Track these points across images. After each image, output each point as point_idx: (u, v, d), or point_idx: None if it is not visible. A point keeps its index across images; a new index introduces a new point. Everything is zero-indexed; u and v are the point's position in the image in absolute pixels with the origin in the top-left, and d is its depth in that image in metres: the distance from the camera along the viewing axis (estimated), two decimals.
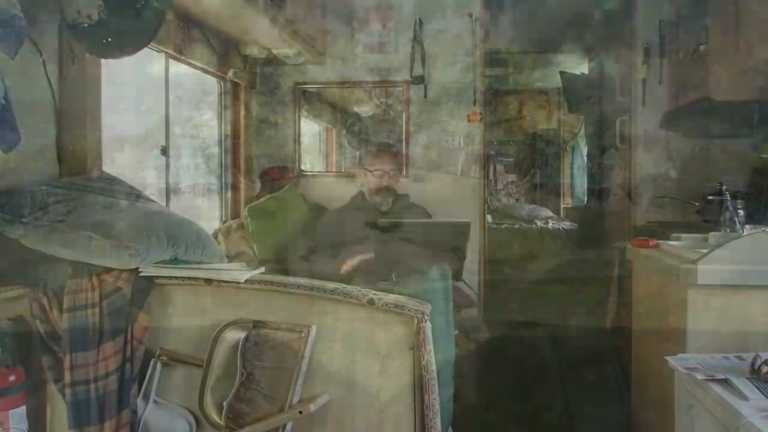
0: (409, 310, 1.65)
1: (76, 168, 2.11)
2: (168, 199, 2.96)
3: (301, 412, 1.63)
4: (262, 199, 3.35)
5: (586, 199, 6.41)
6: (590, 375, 3.14)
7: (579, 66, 5.95)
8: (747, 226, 2.38)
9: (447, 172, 3.92)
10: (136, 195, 2.06)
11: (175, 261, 1.85)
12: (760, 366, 1.57)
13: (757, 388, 1.50)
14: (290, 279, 1.82)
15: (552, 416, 2.94)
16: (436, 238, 2.84)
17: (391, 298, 1.69)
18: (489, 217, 6.08)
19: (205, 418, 1.72)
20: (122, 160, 2.82)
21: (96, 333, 1.69)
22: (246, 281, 1.75)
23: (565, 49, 5.50)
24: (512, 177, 8.12)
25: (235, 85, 3.67)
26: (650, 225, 3.45)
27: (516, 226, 6.48)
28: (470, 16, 3.87)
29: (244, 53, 3.60)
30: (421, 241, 2.80)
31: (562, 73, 6.01)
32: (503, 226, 6.44)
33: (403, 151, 3.93)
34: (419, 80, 3.88)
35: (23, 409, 1.66)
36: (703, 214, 2.67)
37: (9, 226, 1.73)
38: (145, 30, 2.09)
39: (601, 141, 5.05)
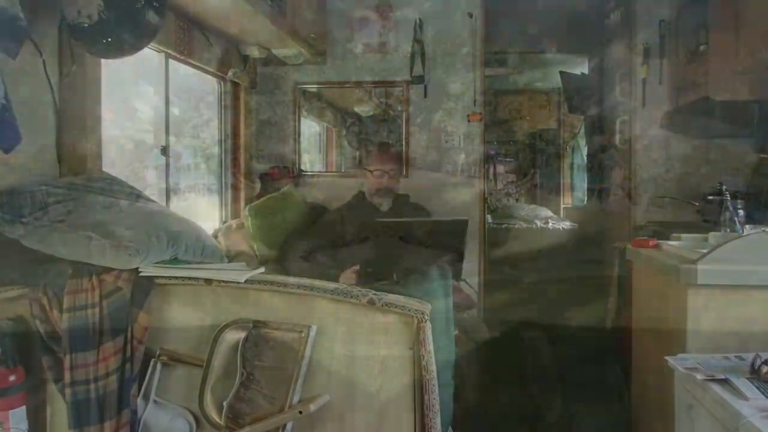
0: (409, 310, 1.65)
1: (76, 168, 2.11)
2: (168, 199, 2.96)
3: (301, 412, 1.63)
4: (262, 199, 3.35)
5: (586, 199, 6.41)
6: (590, 375, 3.14)
7: (579, 66, 5.95)
8: (747, 226, 2.38)
9: (447, 172, 3.92)
10: (136, 195, 2.06)
11: (175, 261, 1.85)
12: (760, 366, 1.58)
13: (757, 388, 1.50)
14: (290, 279, 1.82)
15: (552, 416, 2.94)
16: (433, 237, 2.83)
17: (391, 298, 1.69)
18: (489, 217, 6.08)
19: (205, 418, 1.72)
20: (122, 160, 2.82)
21: (96, 333, 1.69)
22: (246, 281, 1.75)
23: (565, 49, 5.50)
24: (512, 177, 8.12)
25: (235, 85, 3.67)
26: (650, 225, 3.45)
27: (516, 226, 6.48)
28: (470, 16, 3.87)
29: (244, 53, 3.60)
30: (419, 241, 2.80)
31: (562, 73, 6.00)
32: (503, 226, 6.43)
33: (403, 151, 3.93)
34: (419, 80, 3.87)
35: (23, 409, 1.66)
36: (703, 214, 2.68)
37: (9, 226, 1.73)
38: (145, 30, 2.09)
39: (601, 141, 5.05)
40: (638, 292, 2.66)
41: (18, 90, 1.86)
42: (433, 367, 1.64)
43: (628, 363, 2.73)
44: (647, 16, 3.87)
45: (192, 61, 3.11)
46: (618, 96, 4.43)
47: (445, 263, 2.61)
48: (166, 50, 2.85)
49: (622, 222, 4.18)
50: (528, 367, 3.47)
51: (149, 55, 2.81)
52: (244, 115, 3.75)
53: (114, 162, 2.62)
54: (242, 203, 3.62)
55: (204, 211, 3.50)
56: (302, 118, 4.10)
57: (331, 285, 1.76)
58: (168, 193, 2.97)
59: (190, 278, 1.79)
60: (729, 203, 2.39)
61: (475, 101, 3.91)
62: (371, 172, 3.20)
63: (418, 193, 3.51)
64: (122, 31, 2.02)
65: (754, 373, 1.57)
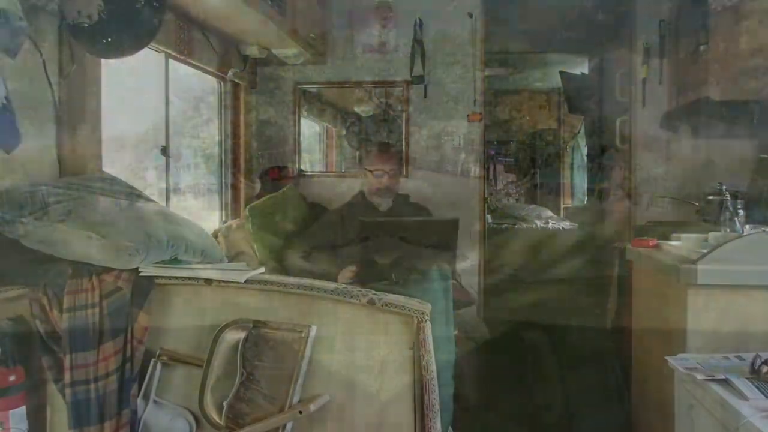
0: (409, 310, 1.65)
1: (76, 168, 2.11)
2: (168, 199, 2.96)
3: (301, 412, 1.63)
4: (262, 199, 3.35)
5: (586, 199, 6.42)
6: (590, 375, 3.14)
7: (579, 66, 5.95)
8: (747, 226, 2.38)
9: (447, 172, 3.92)
10: (136, 195, 2.06)
11: (175, 261, 1.85)
12: (760, 366, 1.58)
13: (757, 388, 1.50)
14: (290, 279, 1.82)
15: (552, 416, 2.94)
16: (424, 236, 2.84)
17: (391, 298, 1.69)
18: (489, 217, 6.08)
19: (205, 418, 1.72)
20: (122, 160, 2.82)
21: (96, 333, 1.69)
22: (246, 281, 1.75)
23: (565, 49, 5.50)
24: (512, 177, 8.12)
25: (235, 85, 3.67)
26: (650, 225, 3.45)
27: (516, 226, 6.48)
28: (470, 16, 3.87)
29: (244, 53, 3.60)
30: (409, 240, 2.81)
31: (562, 73, 6.00)
32: (503, 226, 6.43)
33: (403, 151, 3.93)
34: (419, 80, 3.87)
35: (23, 409, 1.65)
36: (703, 214, 2.68)
37: (9, 226, 1.73)
38: (145, 30, 2.09)
39: (601, 141, 5.05)
40: (638, 292, 2.66)
41: (18, 90, 1.86)
42: (433, 367, 1.64)
43: (628, 363, 2.73)
44: (647, 16, 3.87)
45: (192, 61, 3.11)
46: (618, 96, 4.43)
47: (444, 263, 2.61)
48: (166, 50, 2.85)
49: (622, 222, 4.18)
50: (528, 367, 3.48)
51: (149, 55, 2.81)
52: (244, 115, 3.75)
53: (114, 162, 2.61)
54: (242, 203, 3.62)
55: (204, 211, 3.50)
56: (302, 118, 4.10)
57: (331, 285, 1.76)
58: (168, 193, 2.97)
59: (190, 278, 1.78)
60: (729, 203, 2.39)
61: (475, 101, 3.91)
62: (371, 172, 3.20)
63: (418, 193, 3.51)
64: (122, 31, 2.02)
65: (754, 373, 1.58)
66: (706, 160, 3.80)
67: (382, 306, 1.66)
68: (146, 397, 1.77)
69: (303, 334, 1.67)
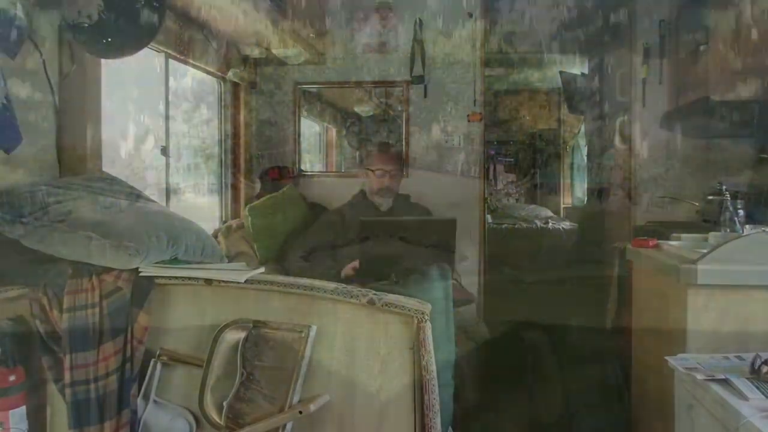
0: (409, 310, 1.65)
1: (76, 168, 2.11)
2: (168, 199, 2.96)
3: (301, 412, 1.63)
4: (262, 199, 3.35)
5: (586, 199, 6.41)
6: (590, 375, 3.13)
7: (579, 66, 5.95)
8: (747, 226, 2.38)
9: (447, 172, 3.92)
10: (136, 195, 2.06)
11: (175, 261, 1.85)
12: (760, 366, 1.58)
13: (757, 388, 1.50)
14: (290, 279, 1.82)
15: (552, 416, 2.94)
16: (423, 236, 2.84)
17: (391, 298, 1.69)
18: (489, 217, 6.08)
19: (205, 418, 1.72)
20: (122, 160, 2.82)
21: (96, 333, 1.69)
22: (246, 281, 1.74)
23: (565, 49, 5.50)
24: (512, 177, 8.13)
25: (235, 85, 3.67)
26: (650, 225, 3.45)
27: (516, 226, 6.48)
28: (470, 16, 3.87)
29: (244, 53, 3.60)
30: (408, 240, 2.81)
31: (562, 73, 6.01)
32: (503, 226, 6.44)
33: (403, 151, 3.93)
34: (419, 80, 3.88)
35: (23, 409, 1.66)
36: (703, 214, 2.68)
37: (9, 226, 1.73)
38: (145, 30, 2.09)
39: (601, 141, 5.05)
40: (638, 292, 2.66)
41: (18, 90, 1.86)
42: (433, 367, 1.64)
43: (628, 363, 2.73)
44: (647, 16, 3.87)
45: (192, 61, 3.11)
46: (618, 96, 4.43)
47: (444, 263, 2.61)
48: (166, 50, 2.85)
49: (622, 222, 4.18)
50: (528, 366, 3.47)
51: (149, 55, 2.81)
52: (244, 115, 3.75)
53: (114, 162, 2.62)
54: (242, 203, 3.62)
55: (204, 211, 3.50)
56: (302, 118, 4.10)
57: (331, 285, 1.76)
58: (168, 193, 2.97)
59: (190, 278, 1.78)
60: (729, 203, 2.39)
61: (475, 101, 3.91)
62: (373, 171, 3.20)
63: (418, 193, 3.51)
64: (122, 31, 2.02)
65: (754, 373, 1.57)
66: (706, 160, 3.80)
67: (382, 306, 1.66)
68: (146, 397, 1.77)
69: (303, 334, 1.67)
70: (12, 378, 1.63)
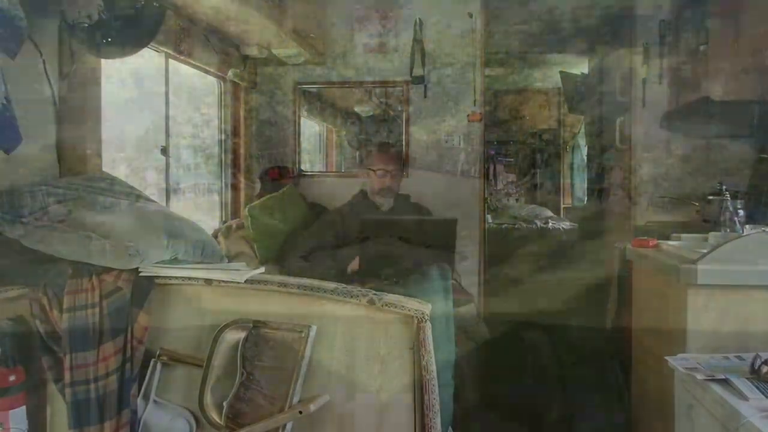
0: (409, 310, 1.65)
1: (76, 168, 2.11)
2: (168, 199, 2.96)
3: (301, 412, 1.63)
4: (262, 199, 3.35)
5: (586, 199, 6.41)
6: (590, 375, 3.14)
7: (579, 66, 5.95)
8: (747, 226, 2.38)
9: (447, 172, 3.92)
10: (136, 195, 2.06)
11: (175, 261, 1.85)
12: (760, 366, 1.58)
13: (757, 388, 1.50)
14: (290, 279, 1.82)
15: (552, 416, 2.94)
16: (423, 236, 2.85)
17: (391, 298, 1.69)
18: (489, 217, 6.08)
19: (205, 418, 1.72)
20: (122, 160, 2.82)
21: (96, 333, 1.69)
22: (246, 281, 1.75)
23: (565, 49, 5.50)
24: (512, 177, 8.12)
25: (235, 85, 3.67)
26: (650, 225, 3.45)
27: (516, 226, 6.48)
28: (470, 15, 3.87)
29: (244, 53, 3.60)
30: (409, 240, 2.82)
31: (562, 73, 6.01)
32: (503, 226, 6.44)
33: (403, 151, 3.93)
34: (419, 80, 3.87)
35: (23, 409, 1.66)
36: (703, 214, 2.68)
37: (9, 226, 1.73)
38: (145, 30, 2.09)
39: (601, 141, 5.05)
40: (638, 292, 2.66)
41: (18, 90, 1.85)
42: (433, 367, 1.64)
43: (628, 363, 2.73)
44: (647, 16, 3.87)
45: (192, 61, 3.11)
46: (618, 96, 4.43)
47: (444, 263, 2.61)
48: (166, 50, 2.85)
49: (622, 222, 4.18)
50: (528, 367, 3.47)
51: (149, 55, 2.81)
52: (244, 115, 3.75)
53: (114, 162, 2.62)
54: (242, 203, 3.62)
55: (204, 211, 3.50)
56: (302, 118, 4.10)
57: (331, 285, 1.76)
58: (168, 193, 2.97)
59: (190, 278, 1.78)
60: (729, 203, 2.39)
61: (475, 101, 3.91)
62: (374, 171, 3.20)
63: (418, 193, 3.51)
64: (122, 31, 2.02)
65: (754, 373, 1.58)
66: (706, 160, 3.80)
67: (382, 306, 1.66)
68: (146, 397, 1.77)
69: (303, 334, 1.67)
70: (12, 378, 1.63)
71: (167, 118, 2.96)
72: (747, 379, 1.55)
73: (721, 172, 3.56)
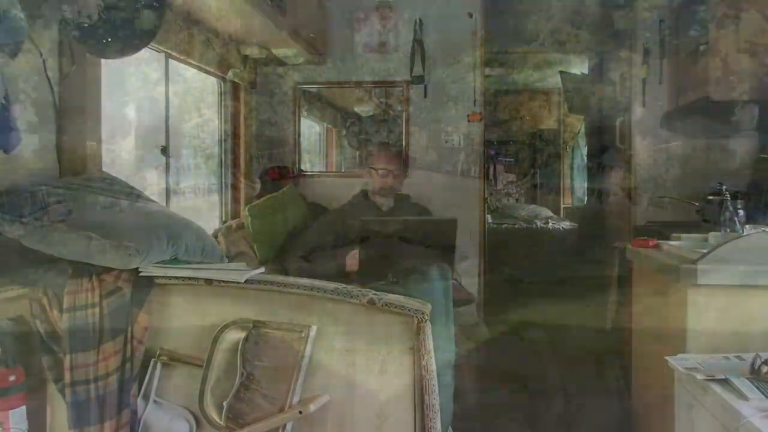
0: (409, 310, 1.65)
1: (76, 168, 2.11)
2: (168, 199, 2.96)
3: (301, 412, 1.63)
4: (262, 199, 3.35)
5: (586, 199, 6.42)
6: (590, 375, 3.14)
7: (579, 66, 5.95)
8: (747, 226, 2.38)
9: (447, 172, 3.92)
10: (136, 195, 2.06)
11: (175, 261, 1.85)
12: (760, 366, 1.58)
13: (757, 388, 1.50)
14: (290, 279, 1.82)
15: (552, 416, 2.94)
16: (423, 236, 2.85)
17: (391, 298, 1.69)
18: (489, 217, 6.08)
19: (205, 418, 1.72)
20: (122, 159, 2.82)
21: (96, 333, 1.69)
22: (246, 281, 1.74)
23: (565, 49, 5.50)
24: (512, 177, 8.13)
25: (235, 85, 3.67)
26: (650, 225, 3.45)
27: (516, 226, 6.48)
28: (470, 15, 3.87)
29: (244, 53, 3.60)
30: (409, 240, 2.82)
31: (562, 73, 6.01)
32: (503, 226, 6.44)
33: (403, 151, 3.94)
34: (419, 80, 3.88)
35: (23, 409, 1.65)
36: (703, 214, 2.67)
37: (9, 226, 1.73)
38: (145, 30, 2.09)
39: (601, 141, 5.05)
40: (638, 292, 2.66)
41: (18, 90, 1.86)
42: (433, 367, 1.64)
43: (628, 363, 2.73)
44: (647, 16, 3.87)
45: (192, 61, 3.11)
46: (618, 96, 4.43)
47: (444, 263, 2.61)
48: (166, 50, 2.85)
49: (622, 222, 4.18)
50: (527, 366, 3.48)
51: (149, 55, 2.81)
52: (244, 115, 3.75)
53: (114, 162, 2.61)
54: (242, 203, 3.62)
55: (204, 211, 3.50)
56: (302, 118, 4.10)
57: (331, 285, 1.76)
58: (168, 193, 2.96)
59: (190, 278, 1.78)
60: (729, 203, 2.39)
61: (475, 101, 3.91)
62: (376, 171, 3.20)
63: (418, 193, 3.51)
64: (122, 31, 2.02)
65: (754, 373, 1.57)
66: (706, 160, 3.80)
67: (382, 306, 1.66)
68: (146, 397, 1.77)
69: (303, 334, 1.67)
70: (12, 378, 1.62)
71: (167, 118, 2.96)
72: (747, 379, 1.55)
73: (721, 172, 3.56)
